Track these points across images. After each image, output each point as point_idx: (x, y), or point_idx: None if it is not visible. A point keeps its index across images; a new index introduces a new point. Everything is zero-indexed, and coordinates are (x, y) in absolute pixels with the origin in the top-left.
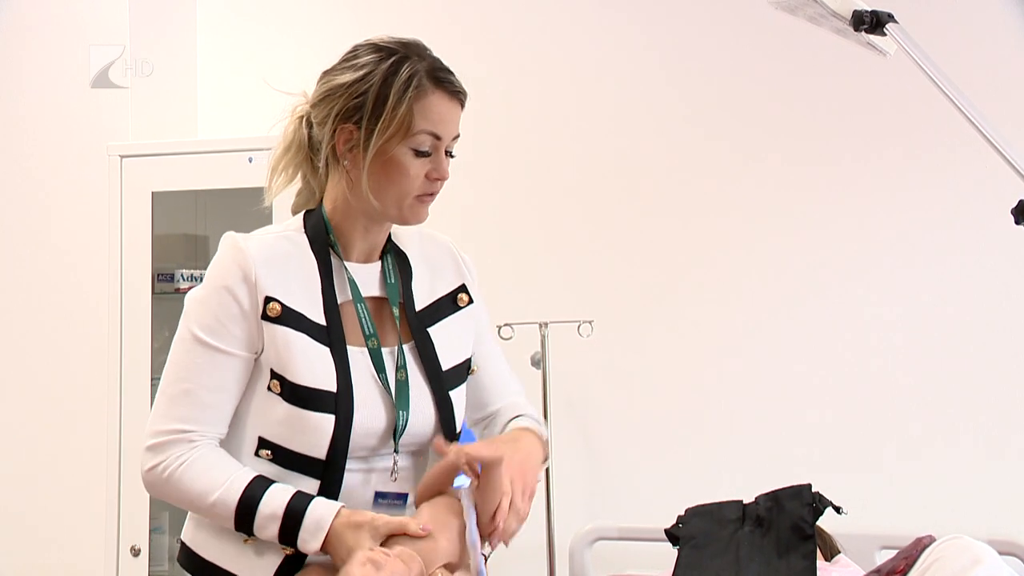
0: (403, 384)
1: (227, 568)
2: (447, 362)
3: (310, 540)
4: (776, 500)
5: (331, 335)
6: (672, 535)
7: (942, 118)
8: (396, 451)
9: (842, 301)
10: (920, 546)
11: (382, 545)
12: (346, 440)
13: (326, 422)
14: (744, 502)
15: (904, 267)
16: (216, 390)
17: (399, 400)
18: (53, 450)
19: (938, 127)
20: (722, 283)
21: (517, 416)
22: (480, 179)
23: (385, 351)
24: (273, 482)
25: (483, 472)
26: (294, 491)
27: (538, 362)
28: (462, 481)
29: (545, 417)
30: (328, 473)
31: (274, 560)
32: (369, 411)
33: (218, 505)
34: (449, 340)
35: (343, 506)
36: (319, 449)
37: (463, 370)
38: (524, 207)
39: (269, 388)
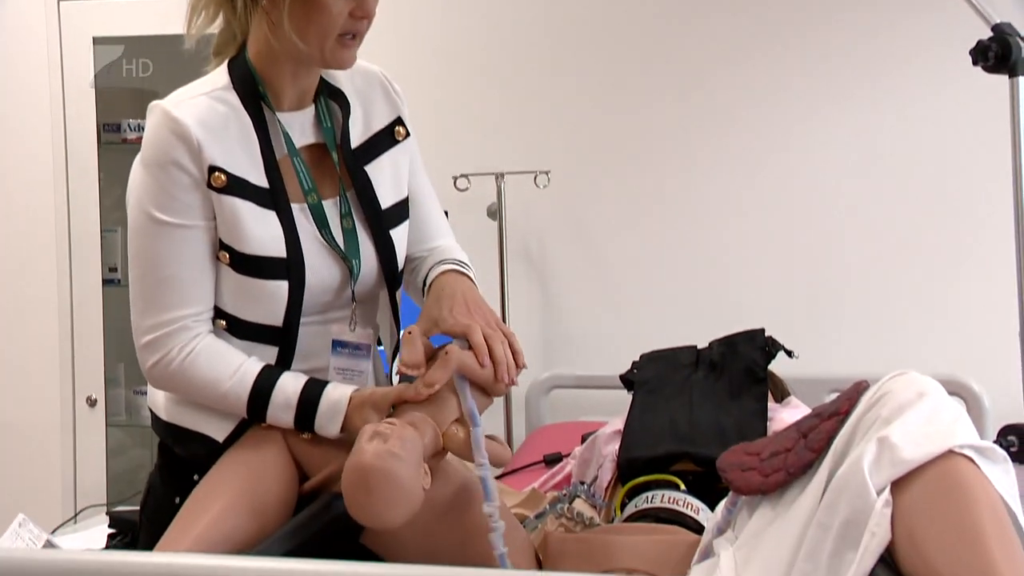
0: (351, 233)
1: (189, 427)
2: (387, 200)
3: (328, 426)
4: (730, 344)
5: (275, 197)
6: (627, 380)
7: None
8: (353, 299)
9: (794, 146)
10: (859, 389)
11: (392, 416)
12: (300, 304)
13: (279, 289)
14: (698, 347)
15: (855, 106)
16: (193, 267)
17: (349, 249)
18: (2, 304)
19: None
20: (681, 130)
21: (441, 261)
22: (435, 27)
23: (328, 203)
24: (282, 371)
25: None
26: (304, 379)
27: (494, 213)
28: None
29: (501, 269)
30: (284, 338)
31: (233, 419)
32: (320, 270)
33: (230, 397)
34: (388, 177)
35: (355, 390)
36: (274, 317)
37: (403, 208)
38: (480, 55)
39: (218, 258)
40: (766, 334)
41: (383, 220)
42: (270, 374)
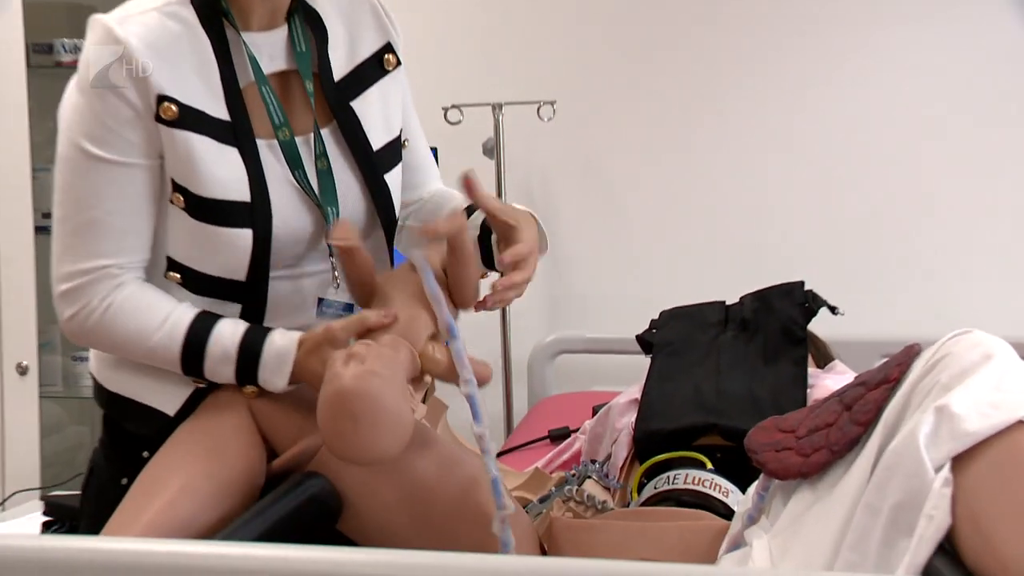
0: (326, 175)
1: (137, 399)
2: (377, 140)
3: (273, 378)
4: (764, 300)
5: (237, 131)
6: (644, 342)
7: None
8: (331, 252)
9: (845, 74)
10: (911, 353)
11: None
12: (267, 255)
13: (241, 238)
14: (727, 303)
15: (926, 30)
16: (127, 212)
17: (324, 195)
18: None
19: None
20: (709, 55)
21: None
22: None
23: (299, 140)
24: (219, 317)
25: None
26: (245, 326)
27: (491, 150)
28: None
29: None
30: (250, 295)
31: (184, 391)
32: (290, 217)
33: (158, 350)
34: (377, 113)
35: (302, 335)
36: (237, 270)
37: (396, 148)
38: None
39: (172, 201)
40: (806, 288)
41: (375, 163)
42: (205, 322)
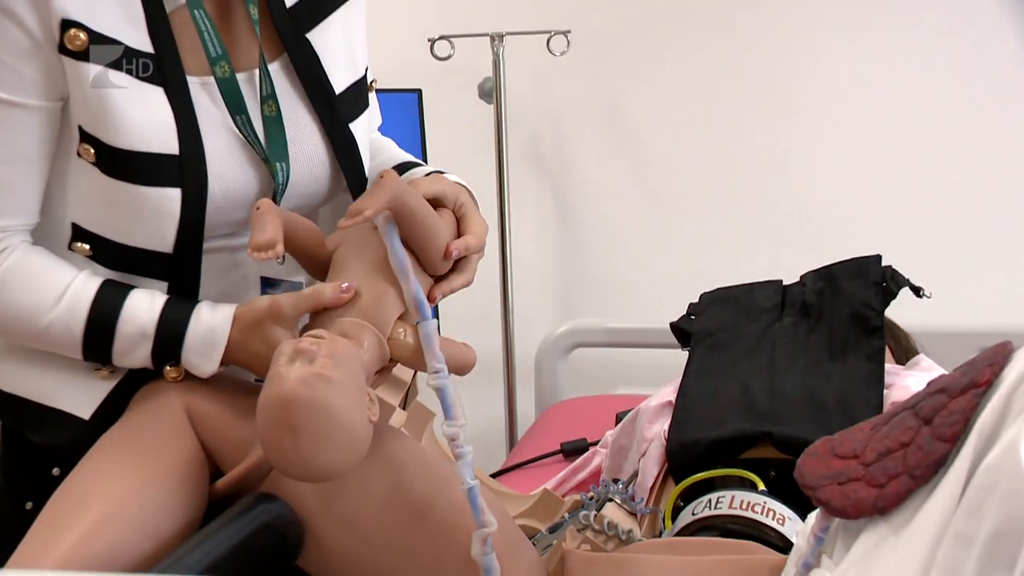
0: (274, 121)
1: (42, 402)
2: (340, 81)
3: (201, 361)
4: (830, 279)
5: (162, 66)
6: (680, 331)
7: None
8: None
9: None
10: (1004, 351)
11: (309, 327)
12: (200, 222)
13: (168, 200)
14: (784, 283)
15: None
16: (16, 164)
17: (272, 147)
18: None
19: None
20: None
21: (406, 164)
22: None
23: (241, 78)
24: (131, 288)
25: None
26: (164, 298)
27: (489, 93)
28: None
29: (500, 173)
30: (178, 270)
31: (102, 387)
32: (229, 173)
33: (54, 330)
34: (340, 47)
35: (239, 309)
36: (162, 239)
37: (362, 90)
38: None
39: (79, 154)
40: (883, 263)
41: (337, 109)
42: (114, 293)
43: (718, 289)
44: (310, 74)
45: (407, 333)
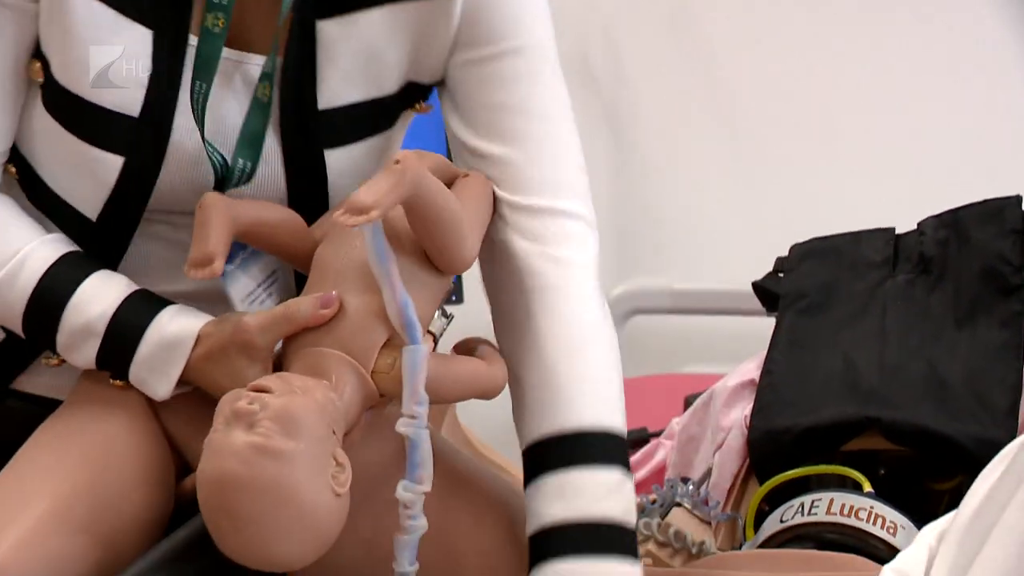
0: (261, 110)
1: None
2: (332, 95)
3: (152, 379)
4: (956, 226)
5: (163, 6)
6: (766, 292)
7: None
8: None
9: None
10: None
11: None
12: (142, 196)
13: (104, 166)
14: (897, 232)
15: None
16: None
17: (244, 136)
18: None
19: None
20: None
21: None
22: None
23: (231, 53)
24: (94, 269)
25: None
26: (126, 288)
27: None
28: None
29: None
30: (98, 241)
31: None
32: (185, 159)
33: None
34: (358, 51)
35: (204, 327)
36: (87, 203)
37: (373, 114)
38: None
39: (30, 70)
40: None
41: (311, 128)
42: (69, 273)
43: (813, 239)
44: (293, 79)
45: (394, 361)
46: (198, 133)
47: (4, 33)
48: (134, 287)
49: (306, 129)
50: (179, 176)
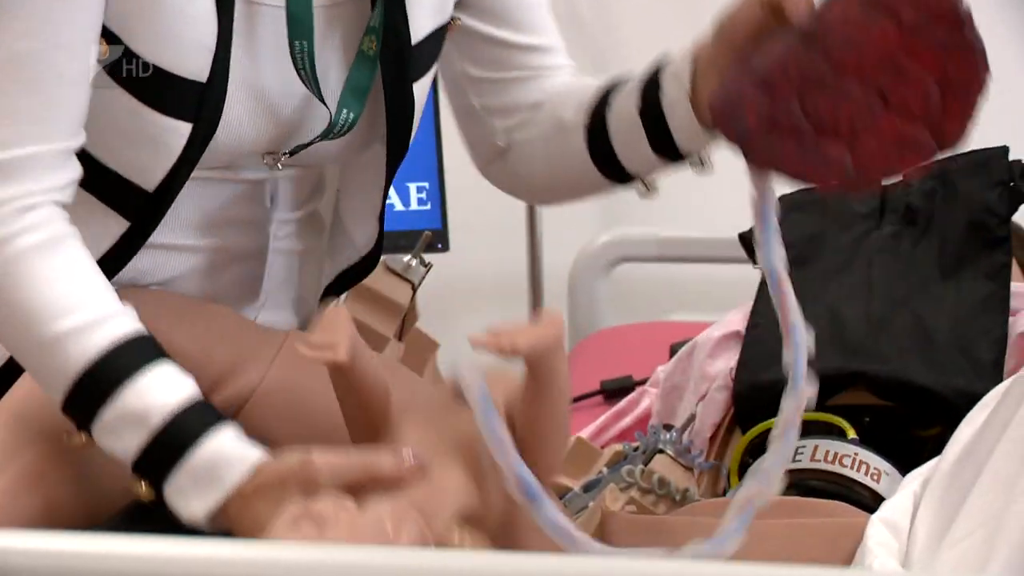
0: (368, 63)
1: None
2: (422, 27)
3: (188, 495)
4: (942, 178)
5: None
6: (751, 243)
7: None
8: (279, 165)
9: None
10: None
11: None
12: (193, 164)
13: (177, 135)
14: (884, 183)
15: None
16: (73, 52)
17: (348, 89)
18: None
19: None
20: None
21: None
22: None
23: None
24: (162, 355)
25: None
26: (191, 389)
27: None
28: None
29: None
30: (146, 215)
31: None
32: (236, 114)
33: (54, 349)
34: None
35: (263, 461)
36: (150, 174)
37: (437, 43)
38: None
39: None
40: (1011, 157)
41: (407, 64)
42: (141, 348)
43: (799, 190)
44: (392, 17)
45: (469, 539)
46: (242, 93)
47: (95, 9)
48: (201, 395)
49: (404, 68)
50: (224, 137)
